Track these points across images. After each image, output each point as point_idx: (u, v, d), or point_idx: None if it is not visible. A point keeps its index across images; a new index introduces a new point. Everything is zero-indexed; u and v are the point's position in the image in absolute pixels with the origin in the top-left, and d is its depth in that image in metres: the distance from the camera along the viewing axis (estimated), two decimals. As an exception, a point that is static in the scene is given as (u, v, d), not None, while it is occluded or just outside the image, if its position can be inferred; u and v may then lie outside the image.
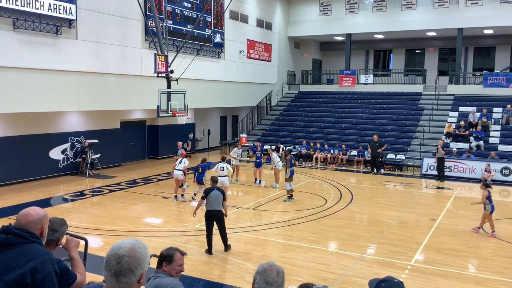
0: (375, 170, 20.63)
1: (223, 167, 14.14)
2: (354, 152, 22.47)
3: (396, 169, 21.33)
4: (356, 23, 28.67)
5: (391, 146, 22.25)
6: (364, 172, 21.10)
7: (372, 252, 10.34)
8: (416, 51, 32.46)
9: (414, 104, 26.03)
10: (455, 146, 21.15)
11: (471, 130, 22.00)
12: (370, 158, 21.17)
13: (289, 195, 14.87)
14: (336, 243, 10.95)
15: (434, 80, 27.75)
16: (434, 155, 19.55)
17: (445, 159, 19.29)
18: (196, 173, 14.11)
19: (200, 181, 14.02)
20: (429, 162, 20.17)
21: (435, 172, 19.61)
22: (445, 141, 21.54)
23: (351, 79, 28.75)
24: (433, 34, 28.90)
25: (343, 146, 22.87)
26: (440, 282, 8.54)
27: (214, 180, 10.54)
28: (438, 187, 18.14)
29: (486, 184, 12.11)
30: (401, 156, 21.72)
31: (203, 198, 9.93)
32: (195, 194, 14.34)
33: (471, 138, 21.49)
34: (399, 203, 15.04)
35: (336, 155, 22.66)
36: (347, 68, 29.39)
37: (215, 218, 9.81)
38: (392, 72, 30.81)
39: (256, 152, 17.96)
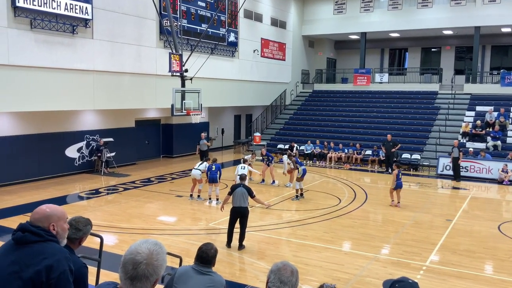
0: (389, 170, 20.46)
1: (244, 166, 14.85)
2: (369, 152, 22.33)
3: (412, 169, 21.13)
4: (371, 21, 28.47)
5: (406, 146, 22.06)
6: (378, 172, 20.96)
7: (386, 252, 10.26)
8: (432, 49, 32.12)
9: (430, 104, 25.75)
10: (471, 146, 20.88)
11: (488, 130, 21.71)
12: (384, 158, 21.02)
13: (298, 194, 14.90)
14: (350, 243, 10.89)
15: (450, 79, 27.40)
16: (450, 155, 19.32)
17: (462, 159, 19.03)
18: (209, 172, 14.14)
19: (214, 180, 14.04)
20: (445, 162, 19.94)
21: (451, 172, 19.39)
22: (461, 140, 21.29)
23: (366, 78, 28.55)
24: (449, 32, 28.55)
25: (358, 145, 22.74)
26: (456, 283, 8.44)
27: (242, 177, 11.03)
28: (454, 187, 17.93)
29: (397, 164, 14.70)
30: (416, 156, 21.52)
31: (229, 194, 10.29)
32: (210, 199, 14.37)
33: (488, 138, 21.21)
34: (414, 203, 14.90)
35: (350, 155, 22.54)
36: (362, 67, 29.20)
37: (239, 214, 10.04)
38: (408, 71, 30.49)
39: (263, 157, 18.00)
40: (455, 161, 18.92)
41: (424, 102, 26.06)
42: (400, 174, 14.26)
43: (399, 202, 14.23)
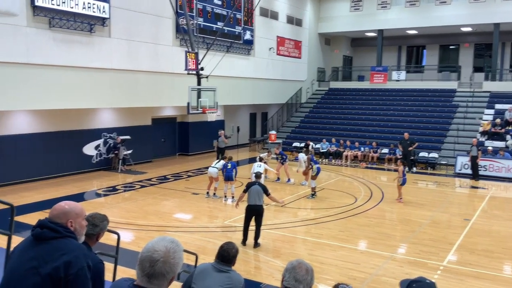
0: (406, 169, 20.23)
1: (260, 165, 15.04)
2: (385, 150, 22.13)
3: (429, 168, 20.89)
4: (388, 18, 28.19)
5: (424, 144, 21.83)
6: (395, 170, 20.70)
7: (403, 251, 10.18)
8: (450, 46, 31.66)
9: (448, 101, 25.42)
10: (490, 144, 20.56)
11: (507, 128, 21.35)
12: (401, 156, 20.80)
13: (313, 192, 14.85)
14: (366, 242, 10.82)
15: (469, 76, 27.03)
16: (468, 154, 19.05)
17: (480, 158, 18.73)
18: (225, 170, 14.19)
19: (230, 178, 14.10)
20: (463, 161, 19.67)
21: (469, 171, 19.12)
22: (480, 139, 20.98)
23: (382, 75, 28.30)
24: (468, 29, 28.14)
25: (374, 144, 22.57)
26: (473, 284, 8.33)
27: (257, 175, 11.02)
28: (472, 187, 17.68)
29: (402, 161, 15.14)
30: (434, 155, 21.27)
31: (244, 191, 10.31)
32: (225, 197, 14.41)
33: (508, 136, 20.86)
34: (432, 203, 14.74)
35: (366, 153, 22.38)
36: (379, 64, 28.95)
37: (254, 212, 10.04)
38: (425, 68, 30.19)
39: (277, 156, 18.02)
40: (474, 160, 18.64)
41: (442, 100, 25.73)
42: (406, 170, 14.82)
43: (401, 198, 14.60)
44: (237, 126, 27.56)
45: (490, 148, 19.90)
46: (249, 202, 10.12)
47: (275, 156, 18.18)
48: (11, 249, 3.25)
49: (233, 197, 14.17)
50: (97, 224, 3.57)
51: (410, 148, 20.18)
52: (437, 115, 24.50)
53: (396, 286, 2.84)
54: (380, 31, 28.84)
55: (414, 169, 20.43)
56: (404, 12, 27.80)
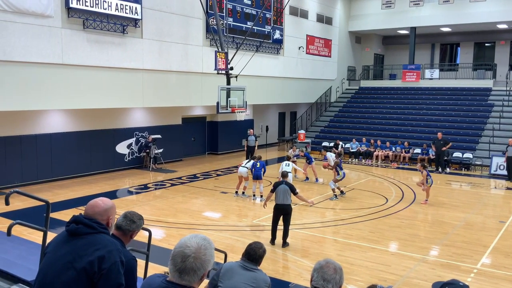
0: (440, 169, 19.83)
1: (288, 164, 15.03)
2: (418, 150, 21.71)
3: (463, 168, 20.39)
4: (421, 15, 27.64)
5: (458, 144, 21.31)
6: (419, 170, 20.29)
7: (435, 254, 9.96)
8: (486, 44, 30.79)
9: (483, 100, 24.74)
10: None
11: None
12: (434, 157, 20.39)
13: (335, 193, 14.70)
14: (397, 243, 10.64)
15: (505, 75, 26.21)
16: (504, 154, 18.50)
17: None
18: (254, 169, 14.23)
19: (258, 176, 14.13)
20: (498, 162, 19.11)
21: (505, 172, 18.57)
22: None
23: (415, 74, 27.78)
24: (504, 26, 27.28)
25: (406, 143, 22.17)
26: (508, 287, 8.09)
27: (283, 174, 10.94)
28: (508, 188, 17.16)
29: (423, 165, 14.83)
30: (468, 155, 20.74)
31: (272, 191, 10.27)
32: (254, 196, 14.46)
33: (546, 137, 20.14)
34: (465, 204, 14.38)
35: (398, 153, 22.01)
36: (411, 62, 28.41)
37: (283, 211, 10.02)
38: (460, 66, 29.43)
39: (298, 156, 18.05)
40: (510, 161, 18.10)
41: (477, 99, 25.07)
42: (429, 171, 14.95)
43: (427, 200, 14.38)
44: (266, 125, 27.56)
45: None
46: (276, 201, 10.09)
47: (297, 153, 18.13)
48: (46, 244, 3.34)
49: (261, 196, 14.20)
50: (135, 220, 3.63)
51: (444, 148, 19.74)
52: (471, 114, 23.88)
53: (427, 288, 2.79)
54: (413, 29, 28.30)
55: (448, 169, 19.97)
56: (437, 9, 27.19)
